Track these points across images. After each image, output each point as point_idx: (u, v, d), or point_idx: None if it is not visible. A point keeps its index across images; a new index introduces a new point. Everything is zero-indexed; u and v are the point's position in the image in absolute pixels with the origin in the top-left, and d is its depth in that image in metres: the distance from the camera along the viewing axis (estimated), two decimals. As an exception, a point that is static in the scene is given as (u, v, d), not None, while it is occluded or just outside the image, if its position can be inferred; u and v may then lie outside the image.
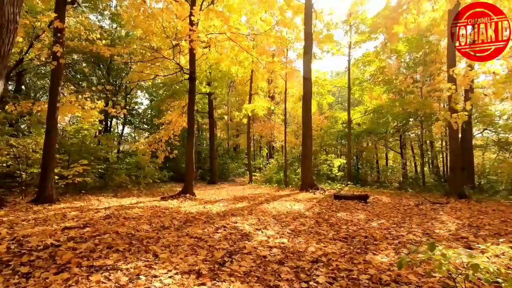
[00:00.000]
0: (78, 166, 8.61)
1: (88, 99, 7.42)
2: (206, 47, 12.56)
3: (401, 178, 18.00)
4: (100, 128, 11.71)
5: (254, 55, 9.63)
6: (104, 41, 8.55)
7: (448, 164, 19.23)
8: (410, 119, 15.98)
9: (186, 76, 9.18)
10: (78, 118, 9.90)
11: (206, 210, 6.41)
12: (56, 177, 8.62)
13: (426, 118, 15.38)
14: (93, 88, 7.85)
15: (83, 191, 9.45)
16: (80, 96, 7.33)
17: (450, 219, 5.35)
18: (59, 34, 6.13)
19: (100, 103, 7.76)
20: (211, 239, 3.97)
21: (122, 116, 19.38)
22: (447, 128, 19.20)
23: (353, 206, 7.05)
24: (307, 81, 12.39)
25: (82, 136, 10.76)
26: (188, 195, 8.57)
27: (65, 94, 11.93)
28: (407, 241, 3.92)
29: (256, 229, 4.64)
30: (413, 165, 21.94)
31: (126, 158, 14.43)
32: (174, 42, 8.05)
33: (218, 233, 4.31)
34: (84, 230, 4.23)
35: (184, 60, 11.06)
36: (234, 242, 3.88)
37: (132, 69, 13.25)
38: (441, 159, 20.81)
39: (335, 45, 14.59)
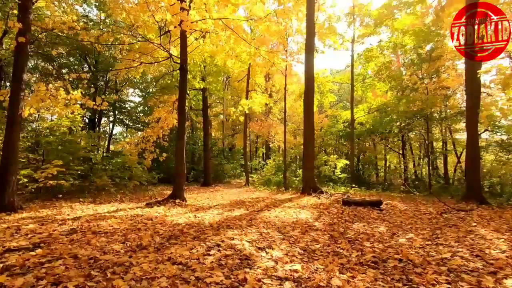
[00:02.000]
0: (51, 167, 7.53)
1: (61, 88, 6.35)
2: (200, 37, 11.57)
3: (403, 181, 17.25)
4: (82, 125, 10.58)
5: (252, 44, 8.68)
6: (81, 24, 7.50)
7: (448, 166, 18.62)
8: (415, 118, 15.21)
9: (177, 66, 8.17)
10: (56, 113, 8.79)
11: (197, 220, 5.42)
12: (25, 179, 7.54)
13: (432, 117, 14.65)
14: (66, 77, 6.79)
15: (59, 196, 8.34)
16: (50, 85, 6.26)
17: (489, 233, 4.47)
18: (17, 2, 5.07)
19: (76, 94, 6.70)
20: (201, 265, 2.99)
21: (110, 111, 18.37)
22: (449, 129, 18.65)
23: (367, 214, 6.14)
24: (309, 75, 11.49)
25: (61, 133, 9.63)
26: (177, 200, 7.55)
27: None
28: (459, 268, 2.99)
29: (259, 248, 3.68)
30: (415, 166, 21.29)
31: (112, 159, 13.32)
32: (158, 17, 7.02)
33: (210, 255, 3.33)
34: (32, 254, 3.20)
35: (176, 52, 10.06)
36: (231, 270, 2.91)
37: (120, 61, 12.12)
38: (441, 160, 20.17)
39: (337, 39, 13.74)
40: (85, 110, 12.55)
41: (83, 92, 10.66)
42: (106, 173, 10.10)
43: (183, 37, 7.99)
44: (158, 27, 8.98)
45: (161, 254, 3.35)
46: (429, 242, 3.97)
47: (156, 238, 4.00)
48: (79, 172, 9.25)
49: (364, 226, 5.02)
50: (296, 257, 3.37)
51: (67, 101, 6.67)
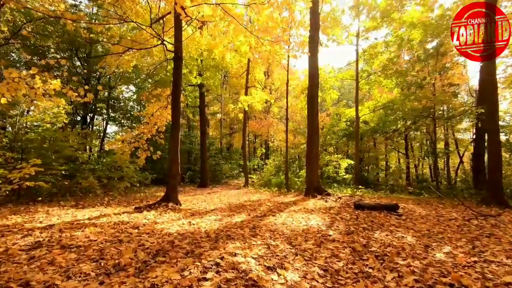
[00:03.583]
0: (28, 167, 6.70)
1: (36, 76, 5.54)
2: (197, 28, 10.84)
3: (406, 181, 16.63)
4: (66, 121, 9.74)
5: (254, 33, 7.92)
6: (63, 6, 6.72)
7: (446, 166, 18.07)
8: (421, 117, 14.57)
9: (171, 56, 7.40)
10: (34, 105, 7.99)
11: (192, 228, 4.65)
12: (-1, 181, 6.70)
13: (440, 116, 14.03)
14: (42, 62, 6.00)
15: (39, 199, 7.51)
16: (24, 72, 5.45)
17: (539, 245, 3.77)
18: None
19: (56, 83, 5.89)
20: (194, 297, 2.24)
21: (104, 109, 17.51)
22: (451, 129, 18.07)
23: (386, 220, 5.42)
24: (313, 70, 10.82)
25: (43, 130, 8.82)
26: (170, 203, 6.77)
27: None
28: (537, 299, 2.27)
29: (268, 268, 2.93)
30: (418, 166, 20.69)
31: (103, 158, 12.48)
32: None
33: (206, 279, 2.58)
34: (-30, 280, 2.42)
35: (170, 45, 9.29)
36: (235, 304, 2.16)
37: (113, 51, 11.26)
38: (441, 160, 19.59)
39: (342, 33, 13.05)
40: (71, 105, 11.72)
41: (73, 87, 9.83)
42: (94, 173, 9.28)
43: (178, 23, 7.23)
44: (150, 16, 8.20)
45: (143, 278, 2.59)
46: (476, 258, 3.24)
47: (140, 254, 3.23)
48: (63, 172, 8.42)
49: (387, 235, 4.29)
50: (318, 282, 2.63)
51: (44, 91, 5.86)
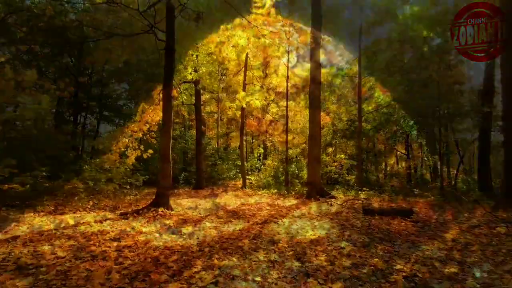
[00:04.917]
0: (1, 168, 6.02)
1: (7, 65, 4.88)
2: (193, 19, 10.21)
3: (408, 182, 16.13)
4: (50, 119, 9.04)
5: (254, 23, 7.33)
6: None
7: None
8: (424, 116, 14.09)
9: (162, 46, 6.75)
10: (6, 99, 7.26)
11: (183, 240, 4.01)
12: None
13: (444, 115, 13.55)
14: (12, 49, 5.34)
15: (16, 203, 6.79)
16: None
17: None
18: None
19: (31, 73, 5.23)
20: None
21: (96, 107, 16.74)
22: (451, 130, 17.65)
23: (402, 228, 4.83)
24: (315, 66, 10.27)
25: (24, 128, 8.12)
26: (160, 209, 6.10)
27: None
28: None
29: (275, 297, 2.31)
30: (419, 167, 20.24)
31: (91, 158, 11.75)
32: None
33: (195, 318, 1.95)
34: None
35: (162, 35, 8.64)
36: None
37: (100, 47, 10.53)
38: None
39: (345, 27, 12.52)
40: (56, 102, 10.96)
41: (62, 87, 9.03)
42: (79, 174, 8.57)
43: (170, 9, 6.59)
44: (137, 2, 7.54)
45: (112, 316, 1.95)
46: (528, 281, 2.66)
47: (114, 278, 2.58)
48: (44, 173, 7.71)
49: (410, 248, 3.70)
50: (341, 319, 2.02)
51: (17, 83, 5.20)
